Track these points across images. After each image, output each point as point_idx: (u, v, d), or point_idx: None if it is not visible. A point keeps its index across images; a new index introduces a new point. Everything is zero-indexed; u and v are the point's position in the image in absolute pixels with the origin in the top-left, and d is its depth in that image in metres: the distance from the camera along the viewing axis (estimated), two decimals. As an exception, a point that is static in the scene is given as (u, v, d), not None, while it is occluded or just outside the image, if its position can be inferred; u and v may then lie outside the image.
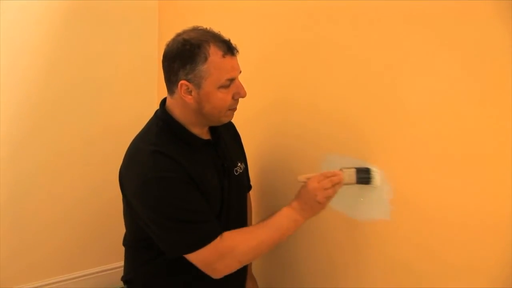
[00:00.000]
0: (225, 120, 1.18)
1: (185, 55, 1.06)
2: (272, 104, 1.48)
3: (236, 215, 1.27)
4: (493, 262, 0.91)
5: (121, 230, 1.29)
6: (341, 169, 1.13)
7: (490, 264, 0.92)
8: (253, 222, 1.48)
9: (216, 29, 1.12)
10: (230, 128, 1.34)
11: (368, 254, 1.20)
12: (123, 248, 1.31)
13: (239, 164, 1.29)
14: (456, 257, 0.98)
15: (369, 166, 1.14)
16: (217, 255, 1.08)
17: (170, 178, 1.08)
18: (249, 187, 1.44)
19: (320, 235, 1.34)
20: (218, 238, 1.08)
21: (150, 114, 1.24)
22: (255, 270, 1.51)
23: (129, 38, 2.08)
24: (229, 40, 1.10)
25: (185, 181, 1.09)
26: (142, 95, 2.15)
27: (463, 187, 0.95)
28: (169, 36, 1.13)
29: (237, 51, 1.11)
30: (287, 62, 1.40)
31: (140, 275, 1.26)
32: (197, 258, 1.08)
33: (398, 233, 1.11)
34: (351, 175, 1.13)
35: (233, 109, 1.16)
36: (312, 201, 1.10)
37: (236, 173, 1.27)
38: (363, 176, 1.13)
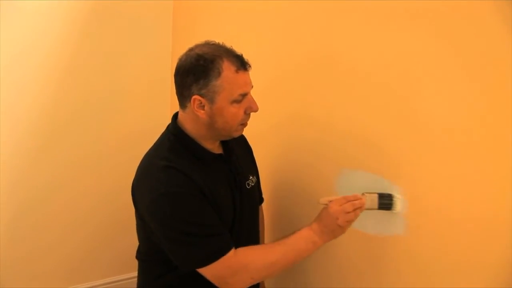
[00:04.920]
0: (236, 135, 1.19)
1: (198, 70, 1.07)
2: (287, 119, 1.48)
3: (248, 228, 1.27)
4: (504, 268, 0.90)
5: (133, 241, 1.30)
6: (363, 194, 1.11)
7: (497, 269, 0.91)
8: (266, 236, 1.47)
9: (231, 38, 1.12)
10: (241, 141, 1.35)
11: (380, 265, 1.19)
12: (135, 259, 1.31)
13: (250, 177, 1.30)
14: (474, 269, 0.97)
15: (391, 192, 1.12)
16: (230, 270, 1.08)
17: (182, 193, 1.08)
18: (261, 200, 1.44)
19: (331, 246, 1.32)
20: (232, 252, 1.08)
21: (163, 123, 1.24)
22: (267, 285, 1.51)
23: (143, 48, 2.10)
24: (242, 55, 1.11)
25: (196, 195, 1.10)
26: (155, 105, 2.16)
27: (481, 197, 0.94)
28: (183, 44, 1.13)
29: (250, 66, 1.12)
30: (303, 76, 1.40)
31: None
32: (209, 272, 1.08)
33: (411, 244, 1.10)
34: (373, 200, 1.11)
35: (244, 123, 1.17)
36: (333, 224, 1.09)
37: (248, 186, 1.27)
38: (385, 202, 1.11)
